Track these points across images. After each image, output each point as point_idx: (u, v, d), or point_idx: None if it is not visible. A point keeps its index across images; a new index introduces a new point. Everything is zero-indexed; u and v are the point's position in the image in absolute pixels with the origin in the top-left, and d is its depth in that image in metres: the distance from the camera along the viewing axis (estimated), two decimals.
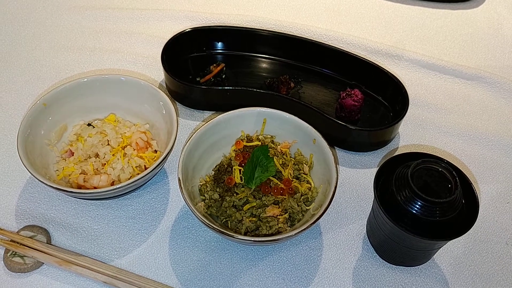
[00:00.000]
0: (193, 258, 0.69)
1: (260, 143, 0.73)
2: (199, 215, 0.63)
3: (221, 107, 0.85)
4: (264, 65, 0.95)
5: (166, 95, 0.76)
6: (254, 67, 0.95)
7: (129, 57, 0.97)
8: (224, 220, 0.69)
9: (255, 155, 0.69)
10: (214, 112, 0.88)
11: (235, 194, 0.69)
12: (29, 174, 0.68)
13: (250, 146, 0.73)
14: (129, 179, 0.69)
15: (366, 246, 0.71)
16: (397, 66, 0.97)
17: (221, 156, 0.76)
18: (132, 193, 0.75)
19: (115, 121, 0.78)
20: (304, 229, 0.62)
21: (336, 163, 0.69)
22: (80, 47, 0.99)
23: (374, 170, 0.79)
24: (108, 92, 0.79)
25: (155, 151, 0.77)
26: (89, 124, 0.78)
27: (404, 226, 0.59)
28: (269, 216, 0.67)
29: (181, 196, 0.65)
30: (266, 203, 0.68)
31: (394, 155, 0.67)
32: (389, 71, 0.87)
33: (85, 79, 0.78)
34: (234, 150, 0.74)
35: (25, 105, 0.87)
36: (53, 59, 0.97)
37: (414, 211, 0.59)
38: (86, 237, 0.71)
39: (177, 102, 0.88)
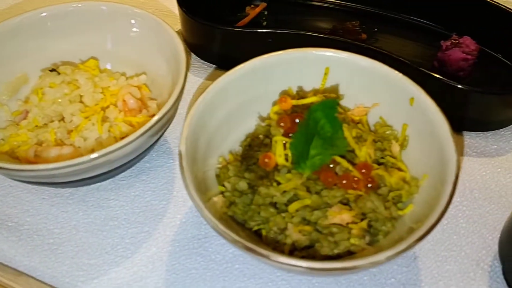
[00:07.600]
0: None
1: (319, 99, 0.44)
2: (212, 218, 0.35)
3: None
4: (319, 12, 0.67)
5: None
6: (305, 14, 0.66)
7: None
8: (256, 227, 0.40)
9: (313, 117, 0.40)
10: None
11: (275, 184, 0.41)
12: None
13: (303, 105, 0.44)
14: None
15: (497, 283, 0.42)
16: None
17: (255, 123, 0.47)
18: (118, 181, 0.49)
19: (94, 69, 0.51)
20: (402, 251, 0.34)
21: (453, 137, 0.39)
22: None
23: (502, 159, 0.50)
24: (90, 28, 0.53)
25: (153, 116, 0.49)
26: (52, 70, 0.51)
27: None
28: (335, 224, 0.38)
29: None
30: (329, 202, 0.40)
31: None
32: None
33: (53, 8, 0.52)
34: (276, 112, 0.45)
35: None
36: None
37: None
38: (39, 245, 0.45)
39: (199, 58, 0.62)
